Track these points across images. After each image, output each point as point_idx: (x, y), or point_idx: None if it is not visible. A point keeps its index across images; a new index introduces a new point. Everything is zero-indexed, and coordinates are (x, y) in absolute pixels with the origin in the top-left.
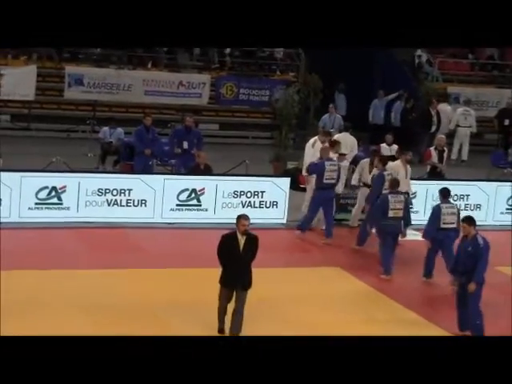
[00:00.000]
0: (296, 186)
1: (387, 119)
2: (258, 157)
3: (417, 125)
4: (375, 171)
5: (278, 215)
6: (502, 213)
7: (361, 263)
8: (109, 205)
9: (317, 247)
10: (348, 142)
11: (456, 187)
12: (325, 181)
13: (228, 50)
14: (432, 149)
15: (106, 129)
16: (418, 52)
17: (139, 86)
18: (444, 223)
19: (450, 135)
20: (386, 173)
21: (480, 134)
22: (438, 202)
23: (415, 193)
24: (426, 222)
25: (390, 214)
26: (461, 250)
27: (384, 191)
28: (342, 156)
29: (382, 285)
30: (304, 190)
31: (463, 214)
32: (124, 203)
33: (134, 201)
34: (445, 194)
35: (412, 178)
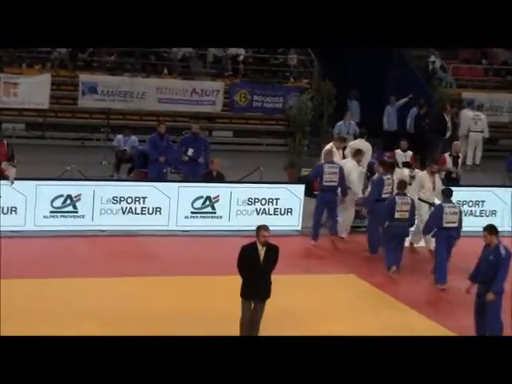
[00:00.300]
0: (310, 192)
1: (401, 125)
2: (272, 164)
3: (431, 131)
4: (376, 175)
5: (293, 222)
6: None
7: (375, 270)
8: (123, 213)
9: (331, 254)
10: (363, 148)
11: (471, 193)
12: (324, 183)
13: (242, 57)
14: (447, 155)
15: (120, 137)
16: (432, 58)
17: (153, 94)
18: (446, 222)
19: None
20: (385, 177)
21: (494, 140)
22: (441, 202)
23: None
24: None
25: (397, 215)
26: (482, 259)
27: (384, 195)
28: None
29: (397, 291)
30: None
31: (478, 220)
32: (139, 211)
33: (148, 209)
34: (447, 193)
35: None
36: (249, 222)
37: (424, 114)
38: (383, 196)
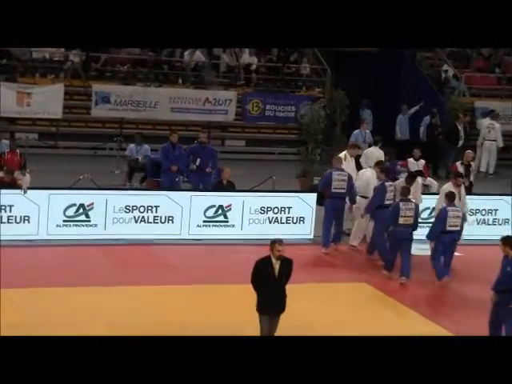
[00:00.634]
0: (322, 201)
1: (413, 134)
2: (284, 173)
3: (443, 139)
4: (377, 182)
5: (305, 231)
6: None
7: (386, 279)
8: (136, 222)
9: (343, 263)
10: (376, 156)
11: (484, 202)
12: (333, 190)
13: (254, 67)
14: (458, 163)
15: (132, 146)
16: (445, 67)
17: (165, 103)
18: (449, 226)
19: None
20: (387, 184)
21: (508, 148)
22: (444, 205)
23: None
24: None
25: (400, 220)
26: (501, 270)
27: (387, 201)
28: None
29: (409, 299)
30: None
31: (491, 228)
32: (151, 220)
33: (161, 217)
34: (450, 197)
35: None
36: (261, 230)
37: (436, 122)
38: (385, 202)
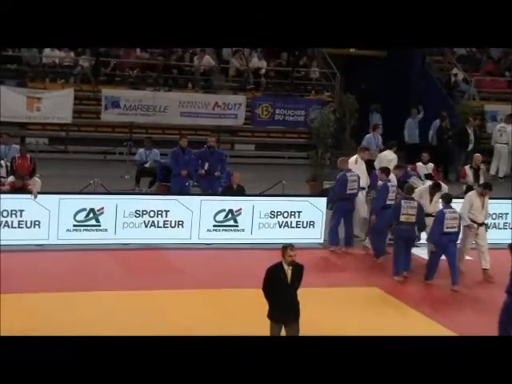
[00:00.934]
0: (331, 205)
1: (422, 138)
2: (294, 177)
3: (453, 143)
4: (379, 182)
5: (315, 235)
6: None
7: (397, 283)
8: (146, 226)
9: (354, 267)
10: (389, 159)
11: (495, 205)
12: (348, 191)
13: (263, 71)
14: (467, 167)
15: (141, 150)
16: (454, 70)
17: (175, 108)
18: (447, 228)
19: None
20: (390, 184)
21: None
22: (441, 208)
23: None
24: None
25: (402, 218)
26: (511, 273)
27: (389, 201)
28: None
29: (420, 305)
30: None
31: (502, 232)
32: (161, 224)
33: (171, 222)
34: (447, 199)
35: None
36: (271, 235)
37: (446, 126)
38: (388, 203)
